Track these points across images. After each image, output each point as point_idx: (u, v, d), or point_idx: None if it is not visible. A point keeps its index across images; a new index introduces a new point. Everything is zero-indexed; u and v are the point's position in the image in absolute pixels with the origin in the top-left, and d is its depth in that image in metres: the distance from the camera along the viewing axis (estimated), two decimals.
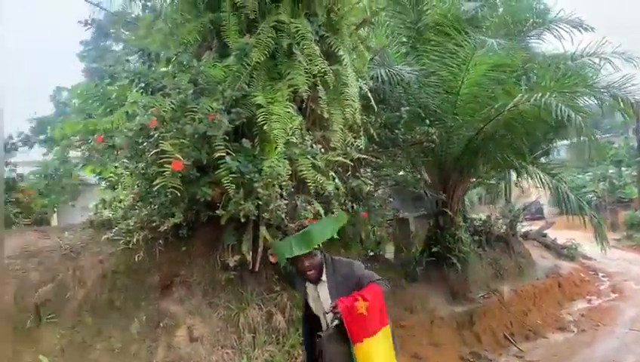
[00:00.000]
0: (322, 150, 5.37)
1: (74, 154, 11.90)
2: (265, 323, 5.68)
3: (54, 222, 12.37)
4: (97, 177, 7.59)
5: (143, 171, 4.99)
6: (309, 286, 3.86)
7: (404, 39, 8.94)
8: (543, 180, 8.72)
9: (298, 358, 5.39)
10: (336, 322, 3.52)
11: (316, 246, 3.75)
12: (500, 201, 15.82)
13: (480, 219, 11.97)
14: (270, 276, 6.07)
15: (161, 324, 5.09)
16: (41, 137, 7.66)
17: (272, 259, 4.23)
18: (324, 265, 3.76)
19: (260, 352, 5.47)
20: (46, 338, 4.69)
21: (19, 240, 5.27)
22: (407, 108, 7.02)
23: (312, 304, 3.93)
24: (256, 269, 5.54)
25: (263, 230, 5.50)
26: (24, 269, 4.82)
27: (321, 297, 3.79)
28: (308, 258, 3.71)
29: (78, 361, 4.66)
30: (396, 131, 6.79)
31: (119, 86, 6.32)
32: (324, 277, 3.75)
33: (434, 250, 8.76)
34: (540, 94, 6.85)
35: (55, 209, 11.71)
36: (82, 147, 6.92)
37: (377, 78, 6.74)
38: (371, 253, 7.56)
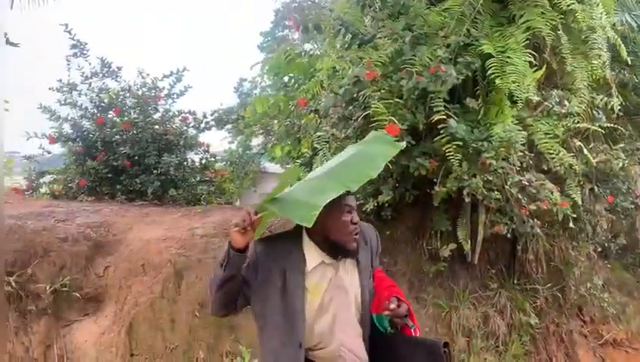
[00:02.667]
0: (561, 114, 4.21)
1: (255, 142, 12.22)
2: (481, 326, 4.80)
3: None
4: (284, 158, 7.26)
5: (340, 144, 4.33)
6: (323, 268, 2.05)
7: None
8: None
9: None
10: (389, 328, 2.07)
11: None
12: None
13: None
14: (485, 271, 5.12)
15: None
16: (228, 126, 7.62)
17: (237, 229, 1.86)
18: None
19: (476, 360, 4.64)
20: (243, 326, 4.26)
21: (217, 217, 4.98)
22: None
23: (314, 301, 2.02)
24: (475, 261, 4.60)
25: (482, 213, 4.55)
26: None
27: (346, 283, 2.10)
28: (353, 207, 2.05)
29: None
30: None
31: (314, 54, 5.74)
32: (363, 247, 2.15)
33: None
34: None
35: (239, 194, 12.11)
36: (271, 126, 6.64)
37: (621, 24, 5.28)
38: (599, 249, 6.07)
